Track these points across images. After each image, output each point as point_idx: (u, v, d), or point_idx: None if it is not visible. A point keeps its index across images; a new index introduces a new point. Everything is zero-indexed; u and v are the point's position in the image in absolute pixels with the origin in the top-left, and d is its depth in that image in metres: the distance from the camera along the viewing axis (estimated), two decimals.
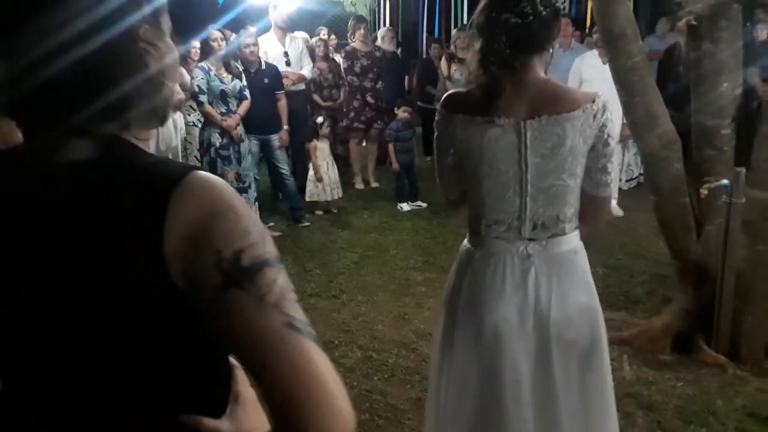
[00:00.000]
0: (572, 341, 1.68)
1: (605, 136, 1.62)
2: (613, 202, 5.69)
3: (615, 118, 1.78)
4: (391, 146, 6.18)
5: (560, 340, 1.67)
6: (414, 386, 3.04)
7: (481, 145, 1.64)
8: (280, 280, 0.73)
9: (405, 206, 6.15)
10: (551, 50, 1.67)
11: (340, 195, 6.12)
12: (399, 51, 8.35)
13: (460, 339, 1.77)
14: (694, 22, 3.08)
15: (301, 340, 0.70)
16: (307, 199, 5.93)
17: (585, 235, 1.75)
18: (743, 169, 2.99)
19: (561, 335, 1.67)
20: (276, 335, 0.70)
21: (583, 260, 1.74)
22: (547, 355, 1.68)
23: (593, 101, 1.61)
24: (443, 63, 7.29)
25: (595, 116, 1.60)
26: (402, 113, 6.20)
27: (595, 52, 5.93)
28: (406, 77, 8.49)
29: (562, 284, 1.68)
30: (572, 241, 1.71)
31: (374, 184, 7.05)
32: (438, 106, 1.76)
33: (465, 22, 10.04)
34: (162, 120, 0.82)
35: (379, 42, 7.45)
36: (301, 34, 6.74)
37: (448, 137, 1.71)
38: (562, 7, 1.63)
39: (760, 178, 3.08)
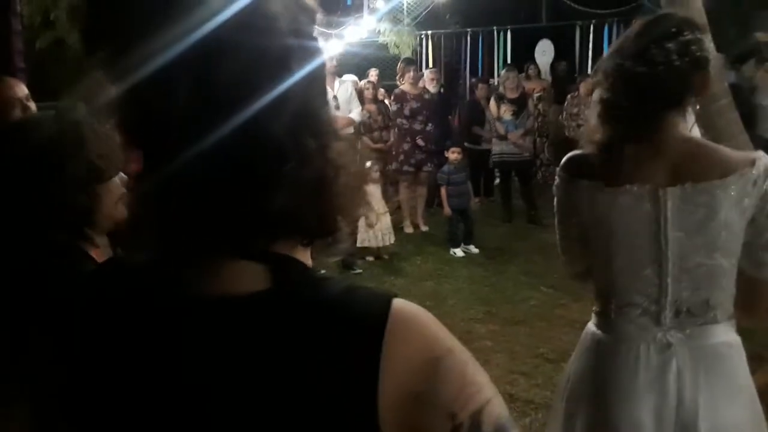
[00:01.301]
0: None
1: None
2: None
3: None
4: (443, 190, 6.04)
5: None
6: None
7: (610, 215, 1.43)
8: None
9: (458, 251, 5.97)
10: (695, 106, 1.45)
11: (392, 241, 5.97)
12: (441, 92, 8.26)
13: None
14: None
15: None
16: (358, 245, 5.78)
17: (742, 325, 1.49)
18: None
19: None
20: None
21: (739, 358, 1.45)
22: None
23: (753, 164, 1.37)
24: (492, 104, 7.17)
25: (755, 183, 1.36)
26: (453, 155, 6.06)
27: None
28: (449, 118, 8.41)
29: (712, 385, 1.39)
30: (726, 332, 1.44)
31: (424, 228, 6.88)
32: (558, 170, 1.57)
33: (509, 62, 9.94)
34: (332, 231, 0.63)
35: (425, 83, 7.38)
36: (350, 77, 6.71)
37: (571, 206, 1.51)
38: (705, 56, 1.41)
39: None
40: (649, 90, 1.39)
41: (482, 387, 0.61)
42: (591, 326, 1.56)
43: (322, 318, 0.58)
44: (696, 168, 1.39)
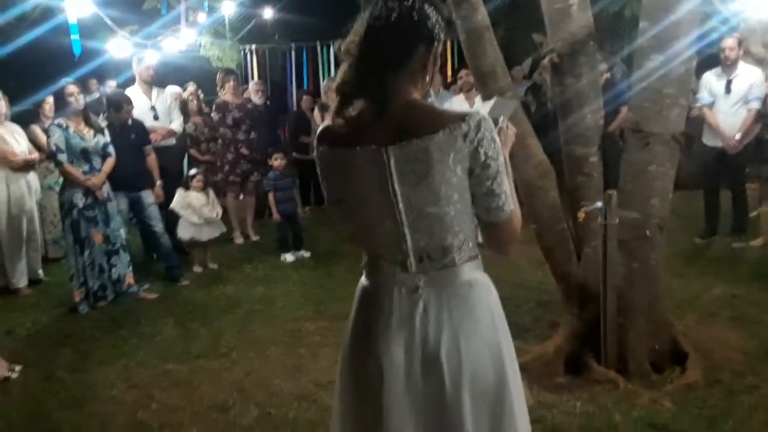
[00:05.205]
0: (473, 386, 1.48)
1: (483, 158, 1.44)
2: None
3: None
4: (270, 196, 6.04)
5: (456, 385, 1.47)
6: None
7: (347, 176, 1.53)
8: None
9: (289, 257, 5.99)
10: (427, 75, 1.51)
11: (224, 229, 5.89)
12: (268, 104, 8.28)
13: (349, 387, 1.62)
14: (556, 60, 3.29)
15: None
16: (184, 237, 5.59)
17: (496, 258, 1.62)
18: (615, 192, 3.17)
19: (456, 379, 1.46)
20: None
21: (481, 293, 1.54)
22: (442, 404, 1.48)
23: (462, 120, 1.42)
24: (316, 113, 7.33)
25: (465, 136, 1.42)
26: (276, 161, 6.09)
27: (461, 96, 6.22)
28: (278, 130, 8.46)
29: (455, 320, 1.49)
30: (466, 273, 1.52)
31: (254, 238, 6.85)
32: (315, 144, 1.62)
33: (332, 74, 10.21)
34: None
35: (251, 96, 7.39)
36: (171, 89, 6.53)
37: (323, 173, 1.60)
38: (428, 26, 1.46)
39: (628, 199, 3.28)
40: (370, 48, 1.46)
41: None
42: (362, 280, 1.65)
43: None
44: (413, 126, 1.44)
